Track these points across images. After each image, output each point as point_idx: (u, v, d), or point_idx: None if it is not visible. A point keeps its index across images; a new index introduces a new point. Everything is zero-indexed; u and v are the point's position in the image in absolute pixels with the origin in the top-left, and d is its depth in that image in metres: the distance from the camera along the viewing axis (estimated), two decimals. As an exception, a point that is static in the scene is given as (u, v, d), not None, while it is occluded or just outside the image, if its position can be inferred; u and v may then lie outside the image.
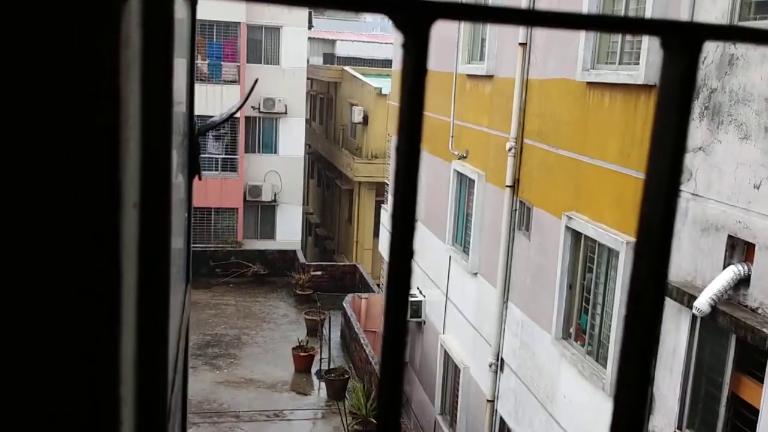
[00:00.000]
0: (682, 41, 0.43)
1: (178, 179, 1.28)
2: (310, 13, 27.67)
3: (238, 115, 25.57)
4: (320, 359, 17.79)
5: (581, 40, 8.80)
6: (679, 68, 0.43)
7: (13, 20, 0.48)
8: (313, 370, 18.07)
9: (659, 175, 0.45)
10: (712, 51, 6.63)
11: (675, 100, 0.44)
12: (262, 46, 26.73)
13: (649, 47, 7.48)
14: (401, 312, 0.42)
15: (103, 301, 0.56)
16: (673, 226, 0.46)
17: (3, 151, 0.50)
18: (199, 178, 1.72)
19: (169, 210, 0.81)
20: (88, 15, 0.49)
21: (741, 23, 6.40)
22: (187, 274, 1.81)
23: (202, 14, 24.25)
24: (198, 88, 27.14)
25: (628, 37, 8.22)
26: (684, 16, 6.96)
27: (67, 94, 0.50)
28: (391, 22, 0.39)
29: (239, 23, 25.68)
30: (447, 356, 13.45)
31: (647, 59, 7.50)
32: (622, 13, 8.28)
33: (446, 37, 13.63)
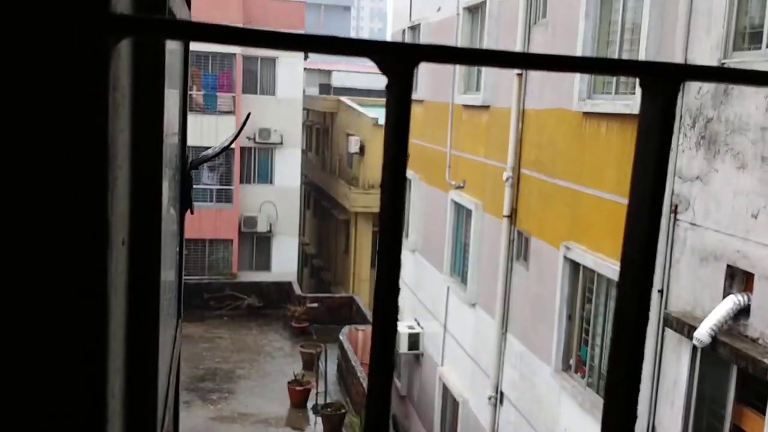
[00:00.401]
0: (660, 82, 0.44)
1: (169, 213, 1.25)
2: (305, 45, 27.89)
3: (233, 146, 25.62)
4: (316, 393, 17.58)
5: (576, 70, 8.83)
6: (657, 108, 0.44)
7: (4, 60, 0.49)
8: (309, 404, 17.85)
9: (640, 211, 0.46)
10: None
11: (654, 139, 0.45)
12: (258, 76, 26.91)
13: (645, 77, 7.51)
14: (388, 346, 0.43)
15: (90, 337, 0.56)
16: (654, 264, 0.47)
17: None
18: (191, 212, 1.68)
19: (158, 247, 0.79)
20: (77, 58, 0.49)
21: (735, 53, 6.43)
22: (179, 308, 1.76)
23: (197, 45, 24.47)
24: (193, 118, 27.37)
25: (623, 68, 8.27)
26: (678, 46, 6.99)
27: (55, 133, 0.51)
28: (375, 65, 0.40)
29: (235, 54, 25.87)
30: (445, 389, 13.30)
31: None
32: (618, 44, 8.34)
33: (442, 68, 13.72)
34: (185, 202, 1.63)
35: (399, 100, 0.39)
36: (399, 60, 0.39)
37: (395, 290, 0.42)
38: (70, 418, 0.56)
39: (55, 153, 0.51)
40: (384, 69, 0.39)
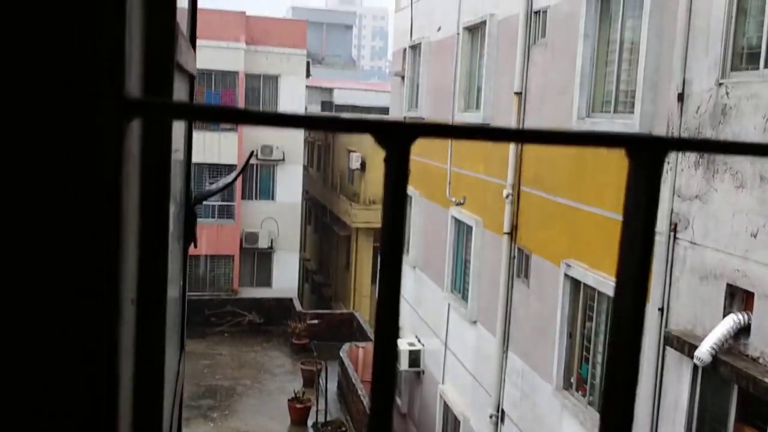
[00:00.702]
0: (646, 153, 0.47)
1: (173, 249, 1.28)
2: (308, 62, 28.07)
3: (235, 161, 25.69)
4: (317, 411, 17.51)
5: (576, 88, 8.90)
6: (642, 178, 0.47)
7: (25, 133, 0.52)
8: (310, 422, 17.76)
9: (629, 268, 0.47)
10: (705, 101, 6.69)
11: (641, 208, 0.47)
12: (261, 94, 27.04)
13: (643, 96, 7.56)
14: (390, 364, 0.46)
15: (100, 400, 0.57)
16: (642, 332, 0.48)
17: (9, 250, 0.53)
18: (195, 246, 1.71)
19: (164, 303, 0.81)
20: (93, 139, 0.52)
21: (733, 73, 6.48)
22: (182, 341, 1.78)
23: (200, 63, 24.55)
24: (196, 135, 27.34)
25: (623, 86, 8.32)
26: (677, 66, 7.04)
27: (70, 208, 0.54)
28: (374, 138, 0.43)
29: (237, 72, 26.01)
30: (446, 407, 13.25)
31: (642, 108, 7.57)
32: (616, 64, 8.39)
33: (443, 86, 13.80)
34: (188, 237, 1.66)
35: (396, 174, 0.42)
36: (397, 137, 0.41)
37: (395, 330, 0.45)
38: None
39: (69, 226, 0.53)
40: (382, 144, 0.42)
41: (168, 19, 0.86)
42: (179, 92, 1.27)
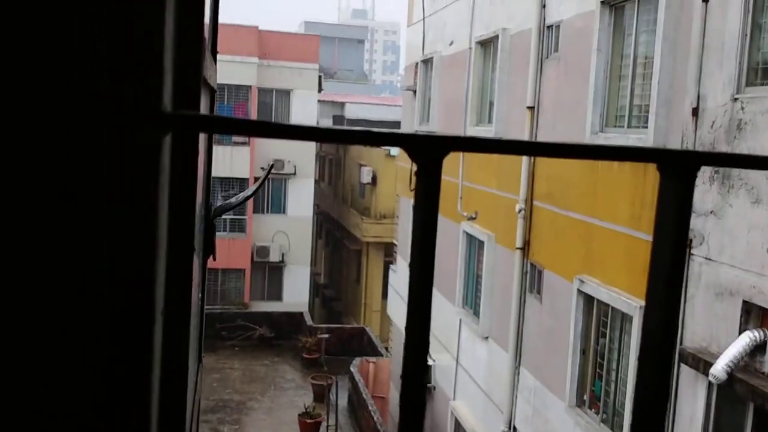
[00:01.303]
0: (678, 167, 0.46)
1: (195, 262, 1.27)
2: (320, 77, 28.20)
3: (247, 176, 25.78)
4: (327, 426, 17.43)
5: (589, 103, 8.87)
6: (674, 193, 0.46)
7: (67, 148, 0.53)
8: (320, 436, 17.68)
9: (659, 284, 0.46)
10: (720, 115, 6.65)
11: (671, 223, 0.46)
12: (273, 108, 27.16)
13: (657, 111, 7.52)
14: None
15: (133, 412, 0.58)
16: (675, 344, 0.48)
17: (50, 264, 0.54)
18: (214, 259, 1.70)
19: (188, 315, 0.81)
20: (131, 152, 0.53)
21: (748, 88, 6.44)
22: (200, 354, 1.77)
23: (213, 78, 24.74)
24: (208, 150, 27.27)
25: (636, 101, 8.29)
26: (691, 81, 7.01)
27: (107, 222, 0.55)
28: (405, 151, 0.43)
29: (250, 86, 26.16)
30: (458, 423, 13.15)
31: (656, 123, 7.53)
32: (630, 78, 8.37)
33: (455, 100, 13.81)
34: (208, 249, 1.65)
35: (428, 188, 0.41)
36: (429, 150, 0.42)
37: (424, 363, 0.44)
38: None
39: (108, 239, 0.54)
40: (414, 157, 0.42)
41: (197, 33, 0.87)
42: (203, 106, 1.28)
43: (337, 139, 0.39)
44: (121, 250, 0.54)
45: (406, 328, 0.43)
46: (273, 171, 26.70)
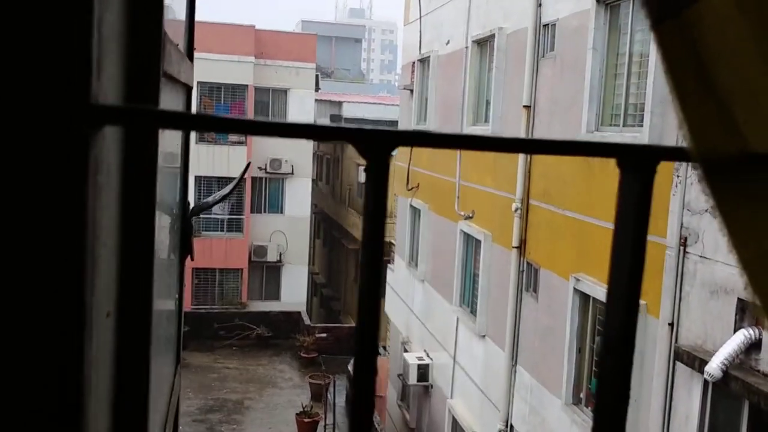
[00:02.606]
0: (637, 162, 0.47)
1: (169, 262, 1.26)
2: (317, 76, 28.18)
3: (245, 176, 25.75)
4: (325, 425, 17.44)
5: (585, 102, 8.88)
6: (634, 187, 0.47)
7: None
8: (318, 435, 17.69)
9: (620, 278, 0.47)
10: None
11: (631, 218, 0.47)
12: (270, 107, 27.14)
13: (653, 110, 7.54)
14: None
15: (68, 412, 0.55)
16: (634, 339, 0.48)
17: None
18: (191, 259, 1.70)
19: (148, 317, 0.80)
20: (56, 148, 0.51)
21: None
22: (177, 353, 1.76)
23: (209, 77, 24.78)
24: (205, 148, 27.30)
25: (632, 99, 8.30)
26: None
27: (32, 219, 0.52)
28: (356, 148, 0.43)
29: (247, 86, 26.14)
30: (455, 422, 13.16)
31: (651, 121, 7.54)
32: (625, 77, 8.38)
33: (452, 99, 13.82)
34: (185, 249, 1.65)
35: (376, 182, 0.41)
36: (376, 145, 0.41)
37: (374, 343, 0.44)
38: None
39: (31, 237, 0.52)
40: (363, 153, 0.42)
41: (154, 28, 0.85)
42: (173, 102, 1.27)
43: (279, 133, 0.40)
44: (45, 248, 0.52)
45: (357, 319, 0.43)
46: (270, 170, 26.69)
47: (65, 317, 0.53)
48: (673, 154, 0.48)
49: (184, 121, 0.39)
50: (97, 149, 0.56)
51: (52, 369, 0.53)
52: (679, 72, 0.44)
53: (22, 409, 0.54)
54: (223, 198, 2.52)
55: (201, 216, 25.34)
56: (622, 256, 0.46)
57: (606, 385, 0.47)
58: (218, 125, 0.40)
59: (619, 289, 0.46)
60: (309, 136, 0.41)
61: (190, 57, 1.85)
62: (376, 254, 0.41)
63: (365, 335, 0.43)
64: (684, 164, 7.06)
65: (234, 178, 25.92)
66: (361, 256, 0.44)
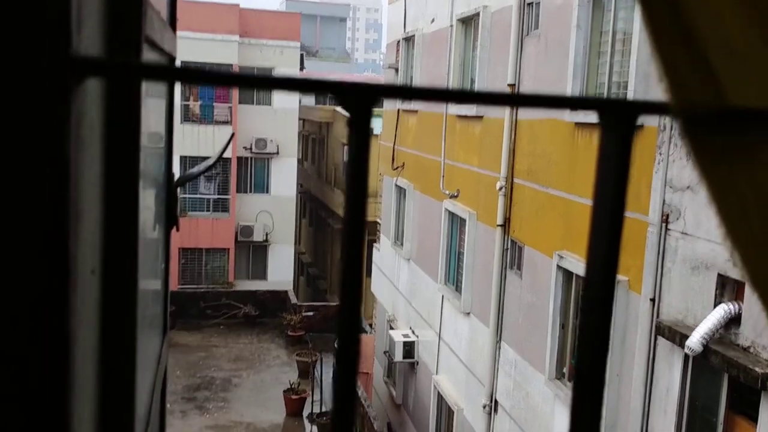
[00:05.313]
0: (618, 118, 0.46)
1: (154, 230, 1.28)
2: (302, 55, 28.00)
3: (230, 156, 25.66)
4: (312, 402, 17.57)
5: (569, 79, 8.91)
6: (615, 143, 0.46)
7: None
8: (305, 413, 17.83)
9: (600, 236, 0.47)
10: (697, 91, 6.71)
11: (612, 173, 0.46)
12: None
13: (636, 88, 7.58)
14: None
15: (53, 372, 0.55)
16: (612, 300, 0.48)
17: None
18: (177, 229, 1.72)
19: (134, 271, 0.81)
20: (36, 100, 0.50)
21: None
22: (165, 324, 1.79)
23: (194, 56, 24.54)
24: (191, 128, 27.07)
25: (615, 77, 8.34)
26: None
27: (11, 170, 0.52)
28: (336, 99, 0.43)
29: (231, 65, 25.92)
30: (440, 397, 13.30)
31: (634, 98, 7.58)
32: (609, 54, 8.41)
33: (437, 78, 13.79)
34: (171, 219, 1.67)
35: (359, 135, 0.42)
36: (358, 98, 0.42)
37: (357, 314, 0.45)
38: None
39: (12, 192, 0.52)
40: (345, 106, 0.42)
41: None
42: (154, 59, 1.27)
43: (262, 85, 0.40)
44: (29, 202, 0.52)
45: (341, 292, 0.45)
46: (255, 150, 26.57)
47: (50, 270, 0.53)
48: (653, 108, 0.49)
49: (166, 74, 0.40)
50: (79, 103, 0.55)
51: (37, 322, 0.54)
52: (658, 22, 0.45)
53: (7, 361, 0.54)
54: (208, 168, 2.54)
55: (187, 196, 25.24)
56: (603, 212, 0.47)
57: (586, 338, 0.48)
58: (201, 78, 0.41)
59: (599, 245, 0.47)
60: (291, 89, 0.42)
61: (173, 28, 1.85)
62: (357, 210, 0.43)
63: (350, 273, 0.44)
64: (666, 142, 7.12)
65: (220, 158, 25.93)
66: (344, 211, 0.46)
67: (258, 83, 0.41)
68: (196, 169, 2.45)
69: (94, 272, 0.64)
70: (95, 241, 0.65)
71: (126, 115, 0.75)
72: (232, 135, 3.56)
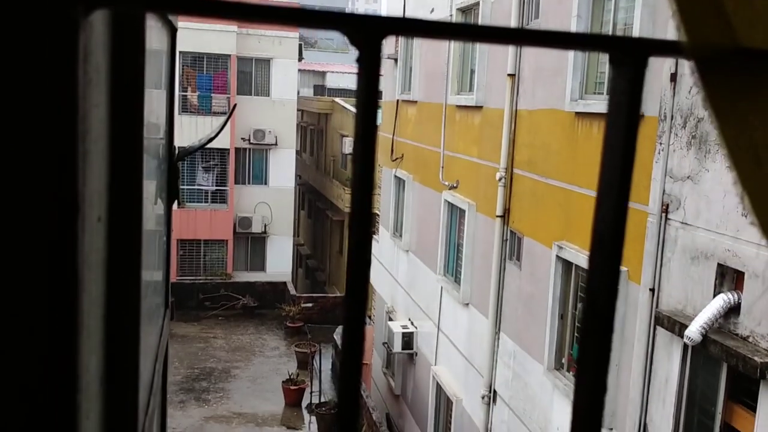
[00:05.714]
0: (629, 56, 0.45)
1: (157, 204, 1.27)
2: (300, 46, 27.90)
3: (228, 147, 25.61)
4: (311, 392, 17.60)
5: (569, 70, 8.89)
6: (625, 82, 0.45)
7: None
8: (304, 403, 17.86)
9: (609, 188, 0.48)
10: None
11: (623, 114, 0.46)
12: (252, 78, 26.88)
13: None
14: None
15: (61, 311, 0.55)
16: (624, 235, 0.48)
17: None
18: (179, 204, 1.71)
19: (139, 223, 0.80)
20: (43, 30, 0.50)
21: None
22: (166, 299, 1.78)
23: (192, 47, 24.47)
24: (188, 119, 27.08)
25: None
26: (671, 26, 7.03)
27: (21, 107, 0.51)
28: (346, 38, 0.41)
29: (229, 55, 25.85)
30: (439, 388, 13.33)
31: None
32: (607, 63, 8.37)
33: (436, 68, 13.76)
34: (173, 193, 1.66)
35: (368, 72, 0.41)
36: (367, 33, 0.40)
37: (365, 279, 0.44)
38: (42, 381, 0.53)
39: (21, 124, 0.51)
40: (354, 42, 0.41)
41: None
42: (159, 41, 1.26)
43: (266, 17, 0.39)
44: (36, 139, 0.51)
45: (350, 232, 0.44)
46: (254, 141, 26.52)
47: (57, 211, 0.53)
48: (665, 47, 0.48)
49: (171, 3, 0.39)
50: (86, 37, 0.55)
51: (44, 266, 0.53)
52: None
53: (16, 304, 0.53)
54: (210, 140, 2.53)
55: (185, 188, 25.20)
56: (614, 150, 0.46)
57: (591, 308, 0.48)
58: (205, 7, 0.40)
59: (608, 186, 0.47)
60: (296, 22, 0.40)
61: None
62: (367, 146, 0.41)
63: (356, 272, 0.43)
64: (666, 132, 7.11)
65: (218, 149, 25.69)
66: (353, 151, 0.44)
67: (263, 14, 0.39)
68: (197, 142, 2.44)
69: (100, 220, 0.63)
70: (101, 188, 0.64)
71: (131, 51, 0.73)
72: (234, 106, 3.55)
